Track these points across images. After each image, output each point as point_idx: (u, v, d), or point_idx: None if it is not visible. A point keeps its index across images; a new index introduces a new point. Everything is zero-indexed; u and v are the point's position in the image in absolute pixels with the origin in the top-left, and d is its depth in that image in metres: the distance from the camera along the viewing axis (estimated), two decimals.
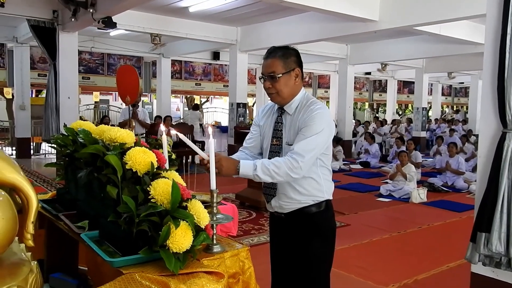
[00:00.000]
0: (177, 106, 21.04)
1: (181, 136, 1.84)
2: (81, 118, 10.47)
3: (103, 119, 10.91)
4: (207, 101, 20.90)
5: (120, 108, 15.75)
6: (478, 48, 9.49)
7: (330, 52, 12.12)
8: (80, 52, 9.89)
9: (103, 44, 11.91)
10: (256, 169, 1.95)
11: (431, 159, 11.61)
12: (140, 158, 1.49)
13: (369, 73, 17.39)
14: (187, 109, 12.73)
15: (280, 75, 2.05)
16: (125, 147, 1.60)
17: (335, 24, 8.26)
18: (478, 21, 8.04)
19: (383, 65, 14.51)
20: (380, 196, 7.63)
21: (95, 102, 16.21)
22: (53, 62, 8.11)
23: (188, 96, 18.19)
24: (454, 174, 8.76)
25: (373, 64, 14.36)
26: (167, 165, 1.74)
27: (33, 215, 1.20)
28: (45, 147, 11.97)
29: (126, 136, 1.61)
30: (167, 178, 1.52)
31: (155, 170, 1.54)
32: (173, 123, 11.80)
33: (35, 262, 1.25)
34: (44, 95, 10.42)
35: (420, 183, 8.27)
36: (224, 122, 16.15)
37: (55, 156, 9.60)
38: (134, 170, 1.49)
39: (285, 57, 2.07)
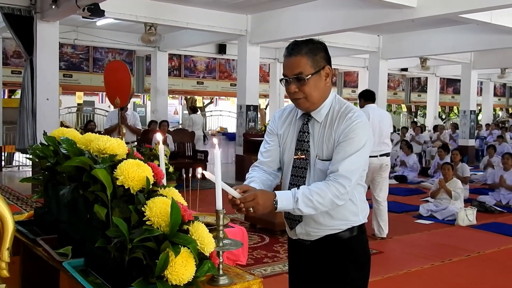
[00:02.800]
0: (175, 109, 21.23)
1: (209, 175, 1.82)
2: (62, 124, 10.62)
3: (88, 125, 11.04)
4: (211, 102, 21.04)
5: (107, 111, 15.94)
6: None
7: (359, 44, 12.19)
8: (61, 45, 10.04)
9: (88, 36, 12.10)
10: (298, 202, 1.96)
11: (482, 173, 11.61)
12: (134, 173, 1.52)
13: (405, 70, 17.42)
14: (186, 112, 12.81)
15: (309, 76, 2.04)
16: (116, 160, 1.64)
17: (364, 11, 8.33)
18: None
19: (423, 60, 14.52)
20: (419, 217, 7.65)
21: (78, 104, 16.42)
22: (30, 57, 8.26)
23: (189, 97, 18.32)
24: (509, 191, 8.73)
25: (410, 58, 14.44)
26: (164, 181, 1.77)
27: (9, 240, 1.23)
28: (19, 157, 12.14)
29: (117, 146, 1.64)
30: (165, 196, 1.56)
31: (151, 186, 1.57)
32: (171, 129, 11.90)
33: None
34: (18, 96, 10.59)
35: (468, 201, 8.28)
36: (231, 128, 16.21)
37: (30, 169, 9.72)
38: (126, 187, 1.53)
39: (312, 53, 2.06)
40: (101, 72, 13.90)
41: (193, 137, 11.35)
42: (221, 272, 1.66)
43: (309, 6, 9.21)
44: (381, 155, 6.12)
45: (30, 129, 8.27)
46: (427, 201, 8.13)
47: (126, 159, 1.63)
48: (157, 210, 1.44)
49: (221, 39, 12.18)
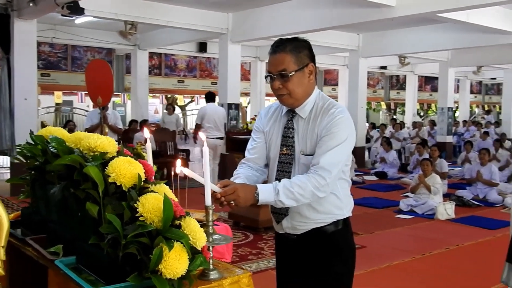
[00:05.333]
0: (155, 108, 21.11)
1: (186, 171, 1.85)
2: (43, 124, 10.49)
3: (67, 125, 10.93)
4: (191, 101, 20.97)
5: (87, 110, 15.78)
6: None
7: (339, 42, 12.29)
8: (38, 44, 9.90)
9: (66, 34, 11.97)
10: (279, 194, 2.00)
11: (459, 168, 11.78)
12: (125, 170, 1.54)
13: (384, 68, 17.66)
14: (165, 111, 12.78)
15: (293, 72, 2.09)
16: (107, 157, 1.65)
17: (344, 9, 8.42)
18: None
19: (402, 58, 14.69)
20: (400, 212, 7.75)
21: (57, 104, 16.23)
22: (6, 56, 8.14)
23: (169, 95, 18.25)
24: (486, 185, 8.90)
25: (389, 56, 14.59)
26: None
27: (4, 239, 1.24)
28: None
29: (108, 144, 1.66)
30: (156, 192, 1.58)
31: (142, 183, 1.59)
32: (152, 128, 11.85)
33: None
34: None
35: (446, 196, 8.41)
36: None
37: (8, 171, 9.57)
38: (118, 184, 1.55)
39: (296, 50, 2.11)
40: (80, 71, 13.78)
41: (174, 136, 11.31)
42: (211, 266, 1.69)
43: (290, 5, 9.27)
44: (216, 138, 8.77)
45: (8, 130, 8.15)
46: (407, 196, 8.24)
47: (116, 156, 1.65)
48: (150, 206, 1.46)
49: (201, 37, 12.18)
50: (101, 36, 12.35)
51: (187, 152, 10.74)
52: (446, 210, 7.43)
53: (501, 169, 10.11)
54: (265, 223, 6.04)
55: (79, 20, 10.50)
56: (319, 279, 2.24)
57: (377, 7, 7.70)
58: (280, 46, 2.12)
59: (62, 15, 7.33)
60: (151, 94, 15.20)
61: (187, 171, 1.76)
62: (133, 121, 11.70)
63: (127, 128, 11.38)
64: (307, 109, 2.18)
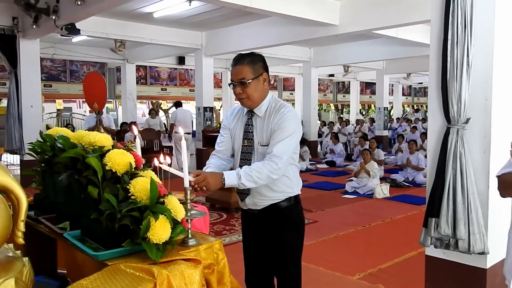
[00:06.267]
0: (142, 112, 20.83)
1: (165, 167, 1.93)
2: (47, 127, 10.28)
3: (67, 127, 10.68)
4: (173, 106, 20.80)
5: (84, 115, 15.49)
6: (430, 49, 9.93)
7: (294, 55, 12.36)
8: (41, 59, 9.63)
9: (65, 51, 11.71)
10: (241, 178, 2.08)
11: (393, 157, 12.01)
12: (119, 159, 1.61)
13: (332, 75, 17.76)
14: (149, 115, 12.71)
15: (250, 80, 2.18)
16: (104, 150, 1.72)
17: (297, 28, 8.49)
18: None
19: (346, 67, 14.87)
20: (345, 193, 7.89)
21: (58, 110, 15.87)
22: (14, 70, 7.95)
23: (154, 101, 18.07)
24: (414, 170, 9.16)
25: (336, 66, 14.67)
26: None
27: (24, 214, 1.30)
28: (6, 158, 11.66)
29: (105, 139, 1.73)
30: (144, 176, 1.66)
31: (133, 170, 1.67)
32: (139, 129, 11.75)
33: (27, 258, 1.35)
34: (4, 104, 10.16)
35: (383, 179, 8.62)
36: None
37: (19, 168, 9.36)
38: (114, 171, 1.61)
39: (253, 63, 2.20)
40: (78, 82, 13.51)
41: (159, 135, 11.24)
42: (190, 235, 1.78)
43: (253, 24, 9.33)
44: (185, 133, 9.48)
45: (17, 133, 8.00)
46: (351, 180, 8.39)
47: (112, 149, 1.72)
48: (139, 187, 1.53)
49: (180, 52, 12.09)
50: (95, 52, 12.13)
51: (171, 148, 10.70)
52: (383, 191, 7.63)
53: (426, 156, 10.38)
54: (236, 204, 6.09)
55: (76, 39, 10.31)
56: (277, 244, 2.33)
57: (324, 26, 7.82)
58: (240, 59, 2.21)
59: (61, 35, 7.22)
60: (138, 101, 15.02)
61: (165, 167, 1.85)
62: (124, 123, 11.58)
63: (119, 129, 11.26)
64: (263, 109, 2.27)
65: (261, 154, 2.23)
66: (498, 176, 1.89)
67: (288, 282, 2.37)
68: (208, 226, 4.92)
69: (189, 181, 1.96)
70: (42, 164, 2.12)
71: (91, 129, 8.07)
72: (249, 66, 2.19)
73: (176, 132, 10.32)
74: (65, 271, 2.30)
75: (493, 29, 2.37)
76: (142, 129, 11.77)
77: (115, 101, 16.44)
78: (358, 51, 11.97)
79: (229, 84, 2.27)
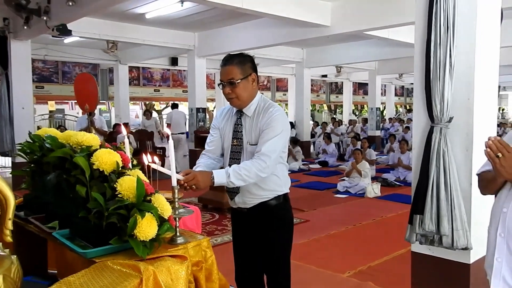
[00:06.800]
0: (136, 113, 20.81)
1: (154, 166, 1.96)
2: (39, 129, 10.25)
3: (59, 129, 10.63)
4: (167, 107, 20.79)
5: (76, 117, 15.44)
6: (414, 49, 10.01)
7: (287, 56, 12.39)
8: (32, 61, 9.61)
9: (56, 52, 11.67)
10: (230, 177, 2.11)
11: (385, 156, 12.05)
12: (106, 158, 1.64)
13: (325, 76, 17.79)
14: (143, 116, 12.73)
15: (239, 80, 2.21)
16: (91, 150, 1.75)
17: (290, 29, 8.53)
18: None
19: (338, 68, 14.94)
20: (337, 192, 7.94)
21: (50, 111, 15.81)
22: (5, 72, 7.92)
23: (147, 102, 18.06)
24: (405, 169, 9.20)
25: (328, 67, 14.72)
26: (130, 165, 1.89)
27: (11, 212, 1.33)
28: None
29: (92, 139, 1.76)
30: (131, 175, 1.69)
31: (120, 169, 1.70)
32: (133, 130, 11.75)
33: (15, 256, 1.38)
34: None
35: (374, 179, 8.67)
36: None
37: (9, 170, 9.34)
38: (101, 170, 1.64)
39: (241, 63, 2.23)
40: (70, 83, 13.46)
41: (152, 136, 11.24)
42: (178, 233, 1.81)
43: (246, 26, 9.36)
44: (179, 133, 10.24)
45: (8, 134, 7.96)
46: (343, 179, 8.44)
47: (99, 149, 1.75)
48: (126, 186, 1.56)
49: (173, 53, 12.12)
50: (87, 53, 12.11)
51: (164, 149, 10.70)
52: (374, 190, 7.68)
53: None
54: (228, 205, 6.03)
55: (68, 40, 10.28)
56: (266, 242, 2.36)
57: (316, 26, 7.87)
58: (229, 60, 2.24)
59: (53, 36, 7.20)
60: (131, 102, 15.01)
61: (154, 166, 1.88)
62: (116, 125, 11.55)
63: (111, 130, 11.23)
64: (252, 109, 2.30)
65: (250, 153, 2.26)
66: (478, 174, 1.94)
67: (277, 280, 2.41)
68: (200, 226, 4.94)
69: (179, 179, 1.99)
70: (32, 165, 2.14)
71: (83, 130, 8.08)
72: (238, 67, 2.22)
73: (165, 132, 10.46)
74: (56, 271, 2.32)
75: (475, 30, 2.43)
76: (134, 130, 11.77)
77: (108, 103, 16.40)
78: (350, 52, 12.01)
79: (219, 84, 2.30)
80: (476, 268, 2.42)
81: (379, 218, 6.13)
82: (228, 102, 2.36)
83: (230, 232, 5.28)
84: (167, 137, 1.95)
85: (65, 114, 16.63)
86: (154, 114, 15.73)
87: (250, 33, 9.34)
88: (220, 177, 2.12)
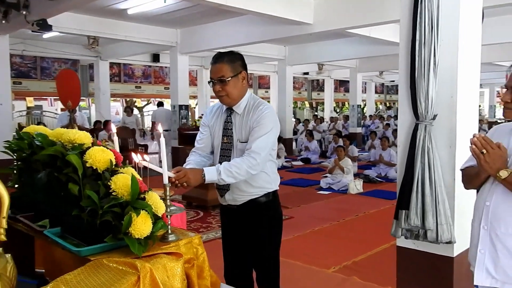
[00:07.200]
0: (116, 110, 20.53)
1: (146, 163, 1.95)
2: (20, 125, 10.02)
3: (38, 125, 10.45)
4: (148, 103, 20.59)
5: (55, 113, 15.17)
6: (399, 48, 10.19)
7: (269, 53, 12.44)
8: (10, 56, 9.40)
9: (35, 47, 11.44)
10: (220, 174, 2.12)
11: (367, 153, 12.23)
12: (100, 156, 1.63)
13: (307, 73, 17.91)
14: (124, 113, 12.59)
15: (229, 78, 2.22)
16: (84, 148, 1.73)
17: (272, 26, 8.56)
18: None
19: (320, 66, 15.05)
20: (320, 189, 8.03)
21: (28, 108, 15.47)
22: None
23: (128, 99, 17.86)
24: (386, 165, 9.38)
25: (310, 64, 14.83)
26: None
27: (6, 211, 1.32)
28: None
29: (84, 137, 1.74)
30: (124, 173, 1.68)
31: (113, 167, 1.69)
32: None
33: (9, 255, 1.37)
34: None
35: (356, 175, 8.79)
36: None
37: None
38: (94, 168, 1.63)
39: (232, 61, 2.24)
40: (49, 79, 13.21)
41: (134, 133, 11.13)
42: (170, 231, 1.81)
43: (229, 22, 9.35)
44: (164, 130, 9.89)
45: None
46: (326, 176, 8.51)
47: (91, 147, 1.74)
48: (120, 184, 1.55)
49: (155, 49, 12.02)
50: (67, 49, 11.90)
51: (146, 146, 10.64)
52: (356, 186, 7.80)
53: None
54: (212, 202, 6.16)
55: (47, 35, 10.08)
56: (256, 239, 2.39)
57: (298, 24, 7.92)
58: (219, 57, 2.25)
59: (32, 31, 7.05)
60: (112, 98, 14.82)
61: (145, 163, 1.88)
62: (97, 122, 11.42)
63: (92, 127, 11.09)
64: (242, 106, 2.32)
65: (240, 150, 2.28)
66: (462, 170, 2.01)
67: (266, 276, 2.44)
68: (185, 224, 4.92)
69: (170, 177, 1.99)
70: (19, 162, 2.11)
71: (64, 127, 7.91)
72: (229, 64, 2.23)
73: (156, 130, 10.40)
74: (43, 270, 2.30)
75: (458, 30, 2.50)
76: (116, 127, 11.63)
77: (88, 99, 16.16)
78: (332, 50, 12.13)
79: (209, 82, 2.30)
80: (459, 261, 2.50)
81: (362, 214, 6.22)
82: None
83: (215, 230, 5.32)
84: (159, 135, 1.95)
85: (44, 111, 16.31)
86: (135, 111, 15.61)
87: (233, 30, 9.33)
88: (211, 175, 2.13)
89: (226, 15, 8.84)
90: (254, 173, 2.19)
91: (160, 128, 2.02)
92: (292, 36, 8.79)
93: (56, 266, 1.98)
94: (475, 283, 1.85)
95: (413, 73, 2.52)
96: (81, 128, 8.15)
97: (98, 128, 10.55)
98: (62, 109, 15.79)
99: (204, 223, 5.70)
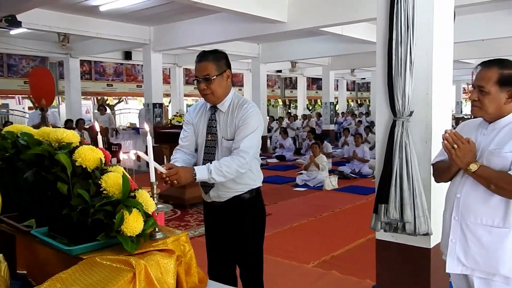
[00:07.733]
0: (87, 109, 20.09)
1: (141, 154, 1.94)
2: None
3: (6, 125, 10.15)
4: (120, 102, 20.24)
5: (24, 112, 14.73)
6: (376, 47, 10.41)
7: (243, 51, 12.45)
8: None
9: (1, 44, 11.07)
10: (211, 173, 2.14)
11: (340, 150, 12.42)
12: (89, 155, 1.63)
13: (280, 71, 18.02)
14: (97, 111, 12.33)
15: (214, 77, 2.25)
16: (72, 147, 1.72)
17: (246, 24, 8.59)
18: (375, 23, 8.82)
19: (293, 63, 15.16)
20: (296, 186, 8.12)
21: None
22: None
23: (100, 97, 17.51)
24: (360, 162, 9.56)
25: (283, 62, 14.90)
26: None
27: None
28: None
29: (72, 136, 1.73)
30: (114, 172, 1.69)
31: (103, 165, 1.69)
32: (86, 126, 11.39)
33: (1, 254, 1.36)
34: None
35: (331, 171, 8.92)
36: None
37: None
38: (84, 167, 1.62)
39: (217, 60, 2.27)
40: (16, 77, 12.83)
41: (106, 132, 10.94)
42: (157, 229, 1.83)
43: (202, 20, 9.32)
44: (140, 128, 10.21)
45: None
46: (301, 173, 8.62)
47: (78, 146, 1.73)
48: (111, 182, 1.55)
49: (127, 47, 11.84)
50: (35, 46, 11.56)
51: (119, 145, 10.47)
52: (331, 182, 7.91)
53: (371, 148, 10.73)
54: (190, 201, 6.15)
55: (15, 31, 9.77)
56: (240, 235, 2.42)
57: (272, 22, 7.98)
58: (204, 56, 2.27)
59: (1, 28, 6.83)
60: (83, 97, 14.50)
61: (141, 154, 1.88)
62: (68, 121, 11.15)
63: (63, 126, 10.84)
64: (226, 105, 2.35)
65: (225, 148, 2.31)
66: (432, 164, 2.11)
67: (250, 272, 2.48)
68: (163, 223, 4.92)
69: (161, 172, 2.00)
70: (0, 162, 2.07)
71: (35, 126, 7.72)
72: (214, 63, 2.25)
73: (141, 128, 10.26)
74: (25, 272, 2.26)
75: (432, 29, 2.60)
76: (88, 126, 11.41)
77: (58, 97, 15.75)
78: (305, 48, 12.24)
79: (193, 80, 2.32)
80: (435, 252, 2.61)
81: (338, 210, 6.34)
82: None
83: (193, 228, 5.32)
84: (145, 134, 1.95)
85: (10, 109, 15.79)
86: (108, 110, 15.32)
87: (207, 28, 9.31)
88: (202, 174, 2.15)
89: (200, 13, 8.80)
90: (243, 171, 2.23)
91: (146, 126, 2.02)
92: (265, 34, 8.83)
93: (39, 267, 1.95)
94: (447, 271, 1.95)
95: (390, 71, 2.61)
96: (54, 127, 8.05)
97: (69, 127, 10.31)
98: (29, 108, 15.36)
99: (182, 221, 5.68)
